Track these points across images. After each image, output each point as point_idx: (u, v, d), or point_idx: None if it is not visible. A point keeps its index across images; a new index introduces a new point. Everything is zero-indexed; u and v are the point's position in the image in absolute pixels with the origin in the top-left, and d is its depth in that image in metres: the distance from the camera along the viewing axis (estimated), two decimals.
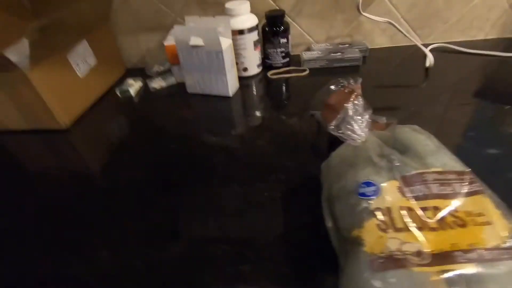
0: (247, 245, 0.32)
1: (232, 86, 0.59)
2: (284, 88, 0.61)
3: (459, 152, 0.30)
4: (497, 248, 0.22)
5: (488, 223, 0.23)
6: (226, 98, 0.59)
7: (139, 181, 0.42)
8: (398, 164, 0.27)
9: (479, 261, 0.21)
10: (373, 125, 0.35)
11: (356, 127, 0.37)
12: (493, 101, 0.48)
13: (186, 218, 0.36)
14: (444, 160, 0.28)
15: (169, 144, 0.49)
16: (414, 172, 0.27)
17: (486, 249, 0.22)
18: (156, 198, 0.39)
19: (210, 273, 0.30)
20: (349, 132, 0.38)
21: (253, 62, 0.64)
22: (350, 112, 0.38)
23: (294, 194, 0.38)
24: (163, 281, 0.30)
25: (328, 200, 0.31)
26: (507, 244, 0.22)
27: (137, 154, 0.48)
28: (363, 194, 0.26)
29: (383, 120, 0.38)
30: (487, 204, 0.25)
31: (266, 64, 0.68)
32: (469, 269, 0.21)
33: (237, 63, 0.62)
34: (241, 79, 0.64)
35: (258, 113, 0.54)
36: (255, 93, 0.61)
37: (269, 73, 0.65)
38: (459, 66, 0.59)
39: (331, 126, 0.37)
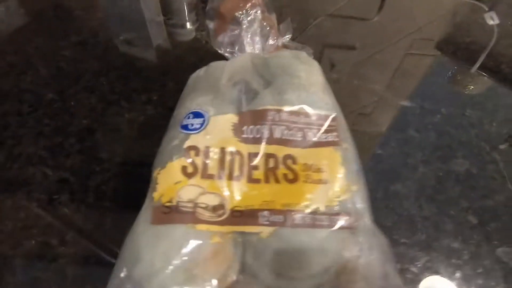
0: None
1: None
2: None
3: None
4: (317, 212, 0.17)
5: (323, 182, 0.18)
6: None
7: None
8: (246, 95, 0.21)
9: (287, 225, 0.17)
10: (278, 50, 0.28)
11: (247, 47, 0.30)
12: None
13: None
14: (311, 98, 0.22)
15: None
16: (260, 108, 0.20)
17: (304, 212, 0.17)
18: None
19: None
20: (237, 53, 0.31)
21: None
22: (244, 25, 0.30)
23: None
24: None
25: None
26: (335, 209, 0.18)
27: None
28: (185, 127, 0.20)
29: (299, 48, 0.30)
30: (334, 160, 0.20)
31: None
32: (267, 234, 0.16)
33: None
34: None
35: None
36: None
37: None
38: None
39: (218, 41, 0.29)
